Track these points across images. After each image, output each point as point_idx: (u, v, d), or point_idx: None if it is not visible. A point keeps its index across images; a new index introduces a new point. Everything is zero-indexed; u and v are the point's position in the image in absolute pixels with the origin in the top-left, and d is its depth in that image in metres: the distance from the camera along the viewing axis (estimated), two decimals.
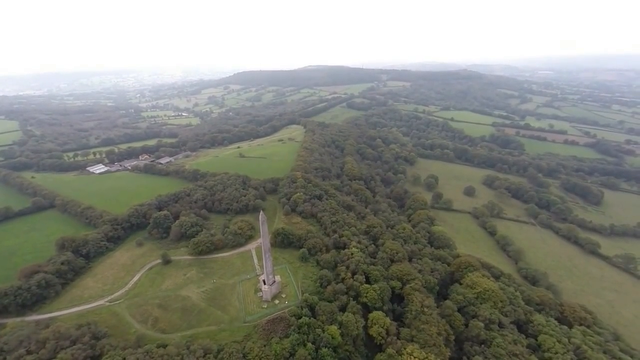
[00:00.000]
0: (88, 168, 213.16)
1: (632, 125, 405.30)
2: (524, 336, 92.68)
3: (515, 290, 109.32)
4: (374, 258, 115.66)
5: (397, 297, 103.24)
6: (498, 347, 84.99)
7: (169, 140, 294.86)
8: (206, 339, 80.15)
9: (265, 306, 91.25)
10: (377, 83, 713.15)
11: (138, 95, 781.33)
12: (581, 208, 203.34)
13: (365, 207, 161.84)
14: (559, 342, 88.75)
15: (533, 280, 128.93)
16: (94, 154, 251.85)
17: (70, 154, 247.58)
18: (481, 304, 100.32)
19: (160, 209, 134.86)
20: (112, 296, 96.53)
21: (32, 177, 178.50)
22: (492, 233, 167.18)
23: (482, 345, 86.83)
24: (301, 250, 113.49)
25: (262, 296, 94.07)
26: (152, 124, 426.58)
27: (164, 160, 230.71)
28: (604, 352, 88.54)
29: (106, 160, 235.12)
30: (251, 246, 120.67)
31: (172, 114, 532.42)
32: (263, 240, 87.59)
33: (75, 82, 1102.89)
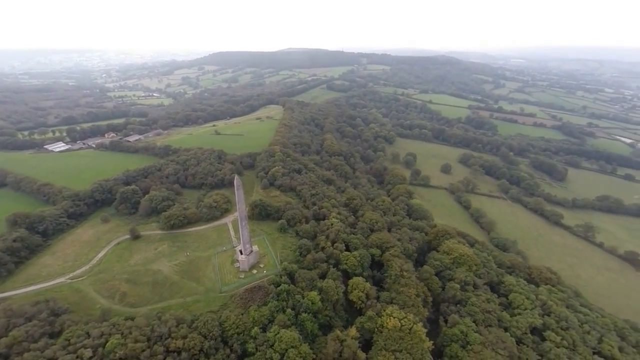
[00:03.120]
0: (46, 146, 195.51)
1: (593, 110, 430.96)
2: (497, 295, 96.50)
3: (488, 255, 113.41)
4: (354, 228, 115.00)
5: (377, 265, 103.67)
6: (472, 305, 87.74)
7: (139, 119, 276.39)
8: (180, 309, 76.35)
9: (243, 276, 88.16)
10: (357, 66, 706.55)
11: (104, 75, 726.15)
12: (547, 184, 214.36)
13: (345, 182, 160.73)
14: (528, 299, 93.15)
15: (504, 248, 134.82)
16: (53, 132, 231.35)
17: (25, 133, 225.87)
18: (457, 268, 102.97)
19: (128, 185, 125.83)
20: (74, 273, 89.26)
21: None
22: (466, 207, 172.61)
23: (458, 305, 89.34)
24: (280, 221, 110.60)
25: (239, 267, 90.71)
26: (120, 104, 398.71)
27: (132, 138, 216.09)
28: (567, 307, 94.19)
29: (67, 139, 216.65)
30: (227, 219, 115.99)
31: (143, 94, 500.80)
32: (239, 206, 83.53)
33: (31, 61, 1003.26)
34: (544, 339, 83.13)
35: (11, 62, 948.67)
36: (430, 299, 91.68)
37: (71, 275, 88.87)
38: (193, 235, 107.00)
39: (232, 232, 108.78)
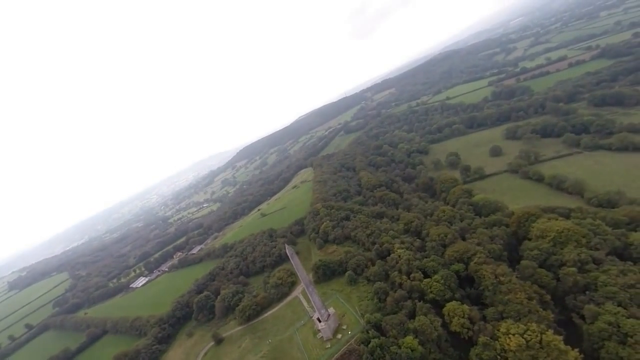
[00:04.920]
0: (131, 285, 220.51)
1: (631, 20, 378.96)
2: (631, 262, 75.45)
3: (595, 219, 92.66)
4: (424, 251, 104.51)
5: (467, 280, 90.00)
6: (606, 286, 68.97)
7: (197, 231, 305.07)
8: None
9: (329, 345, 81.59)
10: (364, 102, 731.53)
11: (162, 207, 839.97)
12: (623, 115, 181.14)
13: (397, 209, 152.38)
14: None
15: (610, 204, 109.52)
16: (135, 270, 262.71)
17: (115, 280, 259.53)
18: (562, 249, 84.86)
19: (200, 293, 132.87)
20: None
21: (85, 314, 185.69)
22: (539, 180, 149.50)
23: (587, 292, 70.89)
24: (346, 273, 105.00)
25: (322, 336, 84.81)
26: (180, 225, 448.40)
27: (195, 250, 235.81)
28: None
29: (145, 272, 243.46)
30: (296, 292, 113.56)
31: (195, 209, 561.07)
32: (299, 274, 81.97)
33: (108, 220, 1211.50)
34: None
35: (95, 227, 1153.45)
36: (548, 296, 74.70)
37: None
38: (270, 320, 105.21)
39: (304, 303, 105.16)
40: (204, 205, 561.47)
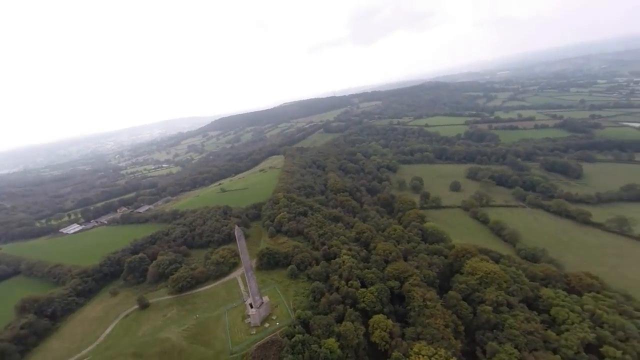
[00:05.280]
0: (62, 230, 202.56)
1: (592, 102, 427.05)
2: (536, 312, 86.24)
3: (517, 269, 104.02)
4: (368, 262, 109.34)
5: (398, 298, 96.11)
6: (511, 328, 78.19)
7: (149, 190, 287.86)
8: None
9: (255, 332, 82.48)
10: (350, 107, 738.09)
11: (117, 156, 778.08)
12: (565, 184, 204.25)
13: (354, 217, 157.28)
14: (573, 311, 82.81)
15: (534, 259, 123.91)
16: (69, 215, 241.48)
17: (43, 221, 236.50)
18: (485, 288, 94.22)
19: (135, 253, 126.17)
20: (81, 354, 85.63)
21: None
22: (484, 222, 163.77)
23: (495, 330, 79.75)
24: (289, 267, 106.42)
25: (250, 322, 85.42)
26: (132, 179, 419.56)
27: (142, 209, 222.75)
28: (620, 314, 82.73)
29: (82, 220, 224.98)
30: (236, 274, 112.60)
31: (153, 167, 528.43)
32: (242, 257, 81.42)
33: (52, 155, 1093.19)
34: (602, 357, 71.74)
35: (34, 159, 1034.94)
36: (462, 327, 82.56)
37: (77, 356, 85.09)
38: (202, 296, 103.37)
39: (241, 287, 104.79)
40: (164, 166, 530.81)
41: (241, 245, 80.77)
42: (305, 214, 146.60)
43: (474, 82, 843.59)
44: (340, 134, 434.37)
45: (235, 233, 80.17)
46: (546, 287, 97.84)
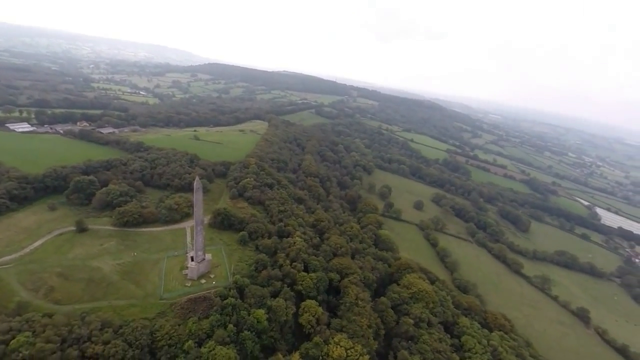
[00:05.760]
0: (8, 125, 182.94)
1: (558, 171, 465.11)
2: (449, 336, 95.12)
3: (447, 295, 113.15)
4: (317, 250, 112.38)
5: (335, 290, 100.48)
6: (424, 343, 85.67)
7: (118, 113, 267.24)
8: (109, 312, 69.00)
9: (189, 285, 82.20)
10: (347, 97, 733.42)
11: (92, 66, 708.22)
12: (511, 233, 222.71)
13: (317, 204, 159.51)
14: (479, 343, 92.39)
15: (464, 290, 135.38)
16: (20, 112, 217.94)
17: None
18: (414, 303, 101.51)
19: (86, 174, 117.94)
20: (1, 260, 79.87)
21: None
22: (434, 245, 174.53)
23: (410, 341, 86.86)
24: (241, 233, 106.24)
25: (187, 274, 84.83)
26: (102, 96, 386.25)
27: (105, 130, 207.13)
28: (517, 356, 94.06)
29: (34, 122, 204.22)
30: (186, 224, 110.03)
31: (129, 91, 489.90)
32: (195, 209, 79.75)
33: (15, 39, 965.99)
34: None
35: None
36: (383, 331, 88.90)
37: None
38: (146, 236, 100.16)
39: (188, 238, 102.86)
40: (141, 93, 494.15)
41: (197, 197, 78.90)
42: (271, 187, 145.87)
43: (466, 116, 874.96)
44: (330, 121, 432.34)
45: (194, 184, 77.94)
46: (466, 316, 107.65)
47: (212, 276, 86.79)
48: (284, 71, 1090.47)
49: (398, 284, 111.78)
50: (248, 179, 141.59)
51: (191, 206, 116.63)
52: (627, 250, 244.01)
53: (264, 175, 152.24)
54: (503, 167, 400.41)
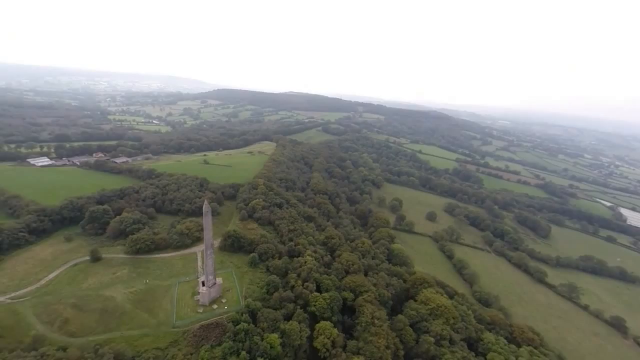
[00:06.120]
0: (29, 160, 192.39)
1: (574, 173, 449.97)
2: (474, 354, 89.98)
3: (468, 309, 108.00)
4: (329, 268, 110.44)
5: (349, 310, 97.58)
6: None
7: (132, 143, 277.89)
8: (122, 343, 68.65)
9: (201, 310, 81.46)
10: (353, 113, 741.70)
11: (108, 99, 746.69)
12: (531, 240, 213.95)
13: (327, 221, 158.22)
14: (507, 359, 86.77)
15: (486, 303, 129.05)
16: (41, 147, 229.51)
17: (12, 145, 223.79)
18: (434, 320, 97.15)
19: (100, 204, 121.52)
20: (17, 293, 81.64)
21: None
22: (450, 257, 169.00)
23: None
24: (251, 255, 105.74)
25: (199, 300, 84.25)
26: (117, 127, 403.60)
27: (119, 160, 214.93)
28: None
29: (54, 155, 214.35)
30: (198, 249, 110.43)
31: (143, 120, 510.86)
32: (205, 233, 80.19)
33: (40, 79, 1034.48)
34: None
35: (19, 79, 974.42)
36: (402, 352, 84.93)
37: (13, 294, 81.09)
38: (158, 262, 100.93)
39: (199, 262, 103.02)
40: (154, 122, 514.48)
41: (207, 221, 79.52)
42: (280, 206, 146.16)
43: (474, 124, 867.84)
44: (337, 138, 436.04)
45: (204, 207, 78.79)
46: (490, 332, 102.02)
47: (223, 301, 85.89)
48: (291, 92, 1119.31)
49: (415, 300, 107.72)
50: (257, 200, 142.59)
51: (202, 230, 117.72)
52: None
53: (272, 195, 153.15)
54: (516, 172, 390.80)
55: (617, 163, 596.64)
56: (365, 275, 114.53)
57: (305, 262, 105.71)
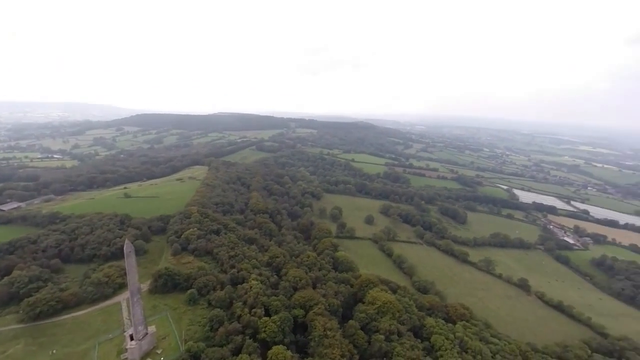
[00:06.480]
0: None
1: (478, 165, 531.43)
2: (420, 340, 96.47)
3: (410, 300, 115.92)
4: (276, 288, 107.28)
5: (301, 327, 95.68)
6: (398, 356, 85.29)
7: (24, 184, 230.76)
8: None
9: None
10: (286, 130, 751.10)
11: None
12: (453, 227, 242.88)
13: (270, 240, 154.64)
14: (447, 339, 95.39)
15: (424, 290, 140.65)
16: None
17: None
18: (381, 317, 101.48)
19: None
20: None
21: None
22: (389, 254, 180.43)
23: (384, 358, 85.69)
24: (189, 291, 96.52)
25: (127, 357, 72.85)
26: (4, 167, 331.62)
27: (8, 207, 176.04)
28: (480, 340, 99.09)
29: None
30: (122, 297, 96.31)
31: (39, 156, 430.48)
32: (129, 278, 70.69)
33: None
34: None
35: None
36: (357, 357, 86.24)
37: None
38: (68, 325, 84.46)
39: (125, 314, 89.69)
40: (55, 157, 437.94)
41: (130, 263, 70.39)
42: (218, 233, 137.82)
43: (396, 130, 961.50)
44: (272, 155, 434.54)
45: (125, 247, 69.70)
46: (430, 316, 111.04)
47: (159, 351, 76.00)
48: (220, 113, 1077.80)
49: (363, 302, 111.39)
50: (191, 230, 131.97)
51: (125, 275, 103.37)
52: (542, 220, 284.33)
53: (208, 222, 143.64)
54: (435, 170, 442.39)
55: (507, 153, 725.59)
56: (314, 288, 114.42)
57: (251, 287, 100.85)
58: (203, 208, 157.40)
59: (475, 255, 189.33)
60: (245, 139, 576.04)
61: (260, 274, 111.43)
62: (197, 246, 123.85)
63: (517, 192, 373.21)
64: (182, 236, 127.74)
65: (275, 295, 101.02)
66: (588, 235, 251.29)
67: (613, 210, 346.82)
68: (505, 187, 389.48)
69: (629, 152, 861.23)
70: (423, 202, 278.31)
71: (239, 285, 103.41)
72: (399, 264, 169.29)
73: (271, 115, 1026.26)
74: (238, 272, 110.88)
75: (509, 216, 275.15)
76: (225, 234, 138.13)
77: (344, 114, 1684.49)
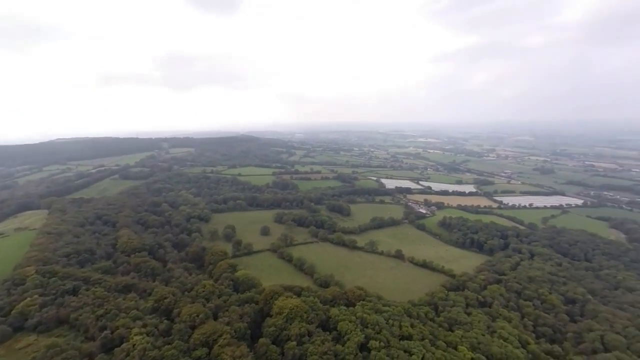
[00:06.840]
0: None
1: (352, 162, 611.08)
2: (328, 332, 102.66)
3: (314, 298, 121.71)
4: (169, 335, 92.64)
5: None
6: (312, 355, 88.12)
7: None
8: None
9: None
10: (158, 151, 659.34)
11: None
12: (341, 220, 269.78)
13: (153, 281, 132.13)
14: (350, 321, 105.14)
15: (326, 284, 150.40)
16: None
17: None
18: (291, 324, 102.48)
19: None
20: None
21: None
22: (289, 260, 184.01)
23: None
24: None
25: None
26: None
27: None
28: (376, 312, 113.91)
29: None
30: None
31: None
32: None
33: None
34: (369, 350, 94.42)
35: None
36: None
37: None
38: None
39: None
40: None
41: None
42: (75, 292, 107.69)
43: (278, 140, 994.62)
44: (143, 182, 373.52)
45: None
46: (334, 307, 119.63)
47: None
48: (60, 139, 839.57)
49: (271, 315, 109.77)
50: (28, 300, 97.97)
51: None
52: (403, 199, 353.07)
53: (57, 282, 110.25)
54: (318, 172, 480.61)
55: (371, 150, 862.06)
56: (215, 318, 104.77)
57: (134, 345, 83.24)
58: (45, 265, 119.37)
59: (361, 240, 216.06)
60: (102, 168, 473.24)
61: (144, 325, 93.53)
62: (42, 319, 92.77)
63: (383, 180, 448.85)
64: (14, 312, 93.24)
65: (169, 344, 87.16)
66: (433, 204, 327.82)
67: (444, 183, 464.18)
68: (374, 178, 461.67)
69: (445, 139, 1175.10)
70: (312, 203, 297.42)
71: (116, 349, 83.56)
72: (300, 266, 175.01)
73: (135, 136, 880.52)
74: (112, 333, 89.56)
75: (381, 202, 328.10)
76: (87, 290, 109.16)
77: (224, 129, 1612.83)
